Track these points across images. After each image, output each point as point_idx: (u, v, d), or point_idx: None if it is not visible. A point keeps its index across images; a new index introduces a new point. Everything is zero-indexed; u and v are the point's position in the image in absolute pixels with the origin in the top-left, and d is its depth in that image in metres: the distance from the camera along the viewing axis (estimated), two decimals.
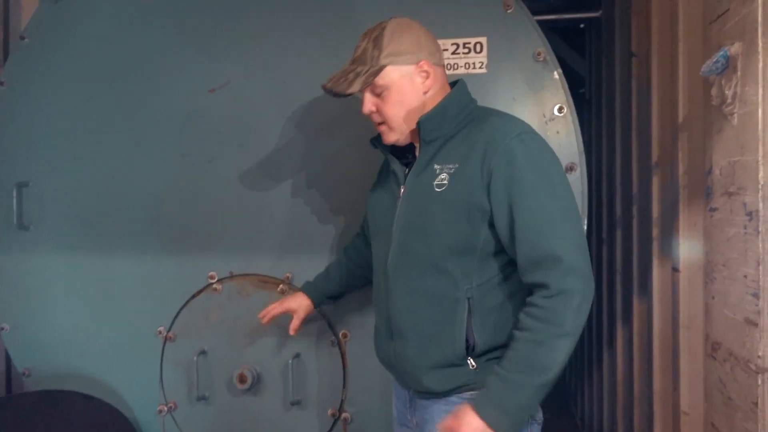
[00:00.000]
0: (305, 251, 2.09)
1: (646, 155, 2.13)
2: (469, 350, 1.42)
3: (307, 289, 1.93)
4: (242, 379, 2.06)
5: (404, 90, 1.49)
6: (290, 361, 2.06)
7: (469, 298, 1.41)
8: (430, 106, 1.49)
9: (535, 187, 1.34)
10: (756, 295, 1.17)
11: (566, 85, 1.99)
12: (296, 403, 2.07)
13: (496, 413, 1.30)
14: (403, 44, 1.48)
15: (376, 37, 1.49)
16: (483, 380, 1.39)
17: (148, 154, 2.16)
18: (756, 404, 1.17)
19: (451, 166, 1.43)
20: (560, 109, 1.97)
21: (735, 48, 1.26)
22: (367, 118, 1.57)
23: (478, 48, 2.02)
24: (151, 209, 2.17)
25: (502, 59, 2.00)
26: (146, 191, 2.16)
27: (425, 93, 1.51)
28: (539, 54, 1.98)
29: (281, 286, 2.08)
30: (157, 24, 2.15)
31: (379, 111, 1.52)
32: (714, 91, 1.37)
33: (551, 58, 1.99)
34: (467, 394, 1.43)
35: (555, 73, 1.98)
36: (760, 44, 1.16)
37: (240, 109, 2.11)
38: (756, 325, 1.17)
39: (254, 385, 2.09)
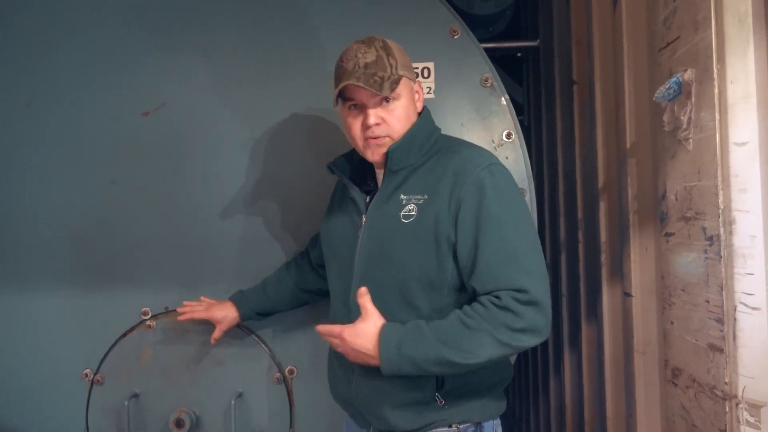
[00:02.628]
0: (247, 282, 1.97)
1: (592, 181, 2.15)
2: (438, 387, 1.38)
3: (238, 300, 1.85)
4: (179, 423, 1.91)
5: (410, 104, 1.47)
6: (232, 402, 1.92)
7: None
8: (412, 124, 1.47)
9: (502, 221, 1.33)
10: (720, 321, 1.16)
11: (513, 111, 2.00)
12: None
13: (392, 348, 1.30)
14: (407, 60, 1.48)
15: (383, 46, 1.44)
16: (452, 416, 1.37)
17: (74, 180, 1.99)
18: (724, 431, 1.16)
19: (419, 197, 1.40)
20: (508, 135, 1.98)
21: (688, 74, 1.27)
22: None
23: (425, 73, 2.00)
24: (77, 240, 1.99)
25: (449, 84, 1.99)
26: (72, 220, 1.99)
27: (418, 113, 1.50)
28: (486, 80, 1.99)
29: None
30: (85, 40, 2.00)
31: (386, 122, 1.43)
32: (666, 117, 1.38)
33: (498, 84, 2.00)
34: None
35: (502, 98, 1.99)
36: (715, 70, 1.18)
37: (176, 133, 1.99)
38: (721, 351, 1.16)
39: (192, 429, 1.93)
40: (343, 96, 1.45)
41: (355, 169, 1.59)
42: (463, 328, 1.28)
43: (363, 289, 1.38)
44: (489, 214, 1.32)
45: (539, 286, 1.29)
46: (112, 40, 2.00)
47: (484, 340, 1.27)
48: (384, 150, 1.44)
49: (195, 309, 1.86)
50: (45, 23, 2.01)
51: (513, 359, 1.72)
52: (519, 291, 1.27)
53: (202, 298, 1.91)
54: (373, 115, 1.41)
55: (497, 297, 1.29)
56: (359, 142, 1.47)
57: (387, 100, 1.42)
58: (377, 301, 1.40)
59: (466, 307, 1.32)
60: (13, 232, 2.00)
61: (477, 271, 1.32)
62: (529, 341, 1.29)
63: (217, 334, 1.85)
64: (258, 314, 1.86)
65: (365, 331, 1.34)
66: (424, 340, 1.29)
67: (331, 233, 1.59)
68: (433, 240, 1.36)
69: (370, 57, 1.41)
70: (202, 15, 1.99)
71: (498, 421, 1.48)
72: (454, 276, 1.37)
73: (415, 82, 1.51)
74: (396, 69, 1.41)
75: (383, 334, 1.32)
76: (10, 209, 2.00)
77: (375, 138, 1.44)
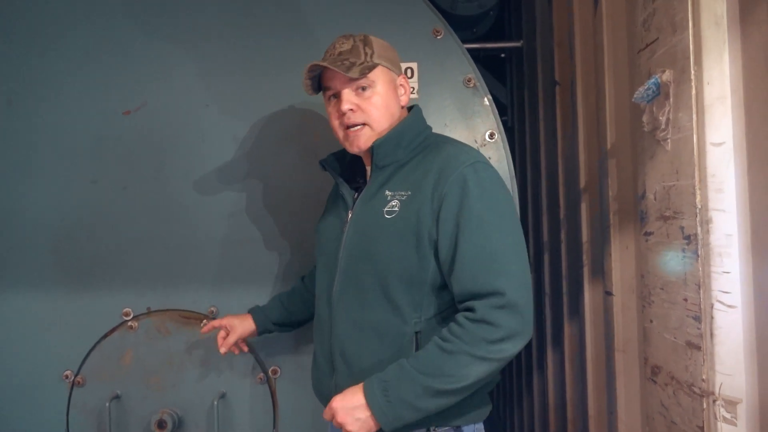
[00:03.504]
0: (230, 283, 1.97)
1: (574, 181, 2.17)
2: None
3: (254, 312, 1.80)
4: (161, 424, 1.89)
5: (390, 94, 1.47)
6: (215, 402, 1.92)
7: (417, 333, 1.35)
8: (396, 122, 1.47)
9: (483, 219, 1.31)
10: (697, 319, 1.18)
11: (496, 111, 2.01)
12: None
13: (378, 395, 1.27)
14: (390, 53, 1.50)
15: (363, 38, 1.46)
16: (431, 419, 1.33)
17: (55, 179, 1.97)
18: (701, 428, 1.17)
19: (403, 193, 1.39)
20: (491, 135, 1.99)
21: (666, 75, 1.29)
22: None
23: (409, 73, 2.01)
24: (57, 240, 1.97)
25: (433, 85, 2.00)
26: (52, 220, 1.96)
27: (402, 107, 1.51)
28: (469, 80, 2.00)
29: (205, 321, 1.94)
30: (65, 37, 1.98)
31: (361, 110, 1.43)
32: (645, 118, 1.40)
33: (481, 84, 2.01)
34: None
35: (485, 99, 2.00)
36: (693, 71, 1.19)
37: (157, 132, 1.98)
38: (699, 348, 1.18)
39: (175, 430, 1.92)
40: (322, 86, 1.48)
41: (347, 167, 1.60)
42: (442, 354, 1.26)
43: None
44: (470, 212, 1.30)
45: (518, 288, 1.27)
46: (93, 38, 1.98)
47: (464, 361, 1.24)
48: (363, 140, 1.44)
49: (215, 323, 1.78)
50: (27, 21, 1.99)
51: None
52: (495, 294, 1.26)
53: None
54: (347, 101, 1.42)
55: (472, 310, 1.27)
56: (339, 133, 1.48)
57: (363, 88, 1.43)
58: (357, 297, 1.40)
59: (444, 331, 1.29)
60: None
61: (455, 270, 1.31)
62: (513, 348, 1.27)
63: (231, 339, 1.75)
64: (275, 325, 1.80)
65: (351, 390, 1.32)
66: (407, 377, 1.26)
67: (321, 231, 1.60)
68: (413, 236, 1.34)
69: (346, 46, 1.44)
70: (185, 12, 1.98)
71: (481, 426, 1.44)
72: (435, 273, 1.35)
73: (399, 75, 1.51)
74: (371, 57, 1.43)
75: (366, 386, 1.30)
76: None
77: (353, 127, 1.44)
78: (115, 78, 1.97)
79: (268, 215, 1.97)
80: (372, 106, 1.43)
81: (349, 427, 1.29)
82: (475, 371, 1.25)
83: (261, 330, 1.80)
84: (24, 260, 1.97)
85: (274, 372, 1.97)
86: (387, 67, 1.47)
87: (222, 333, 1.77)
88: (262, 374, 1.96)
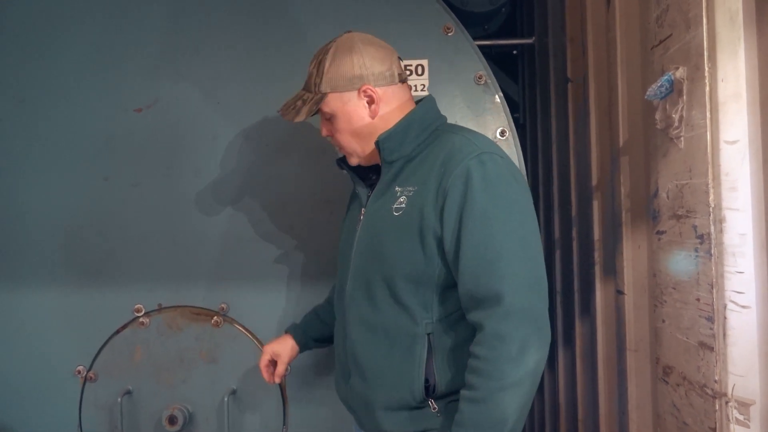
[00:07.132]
0: (241, 280, 1.98)
1: (586, 179, 2.15)
2: (429, 391, 1.31)
3: (293, 330, 1.74)
4: (172, 420, 1.91)
5: (350, 117, 1.41)
6: (225, 399, 1.92)
7: (429, 334, 1.30)
8: (384, 128, 1.39)
9: (487, 215, 1.22)
10: (710, 319, 1.17)
11: (508, 109, 2.00)
12: None
13: None
14: (343, 69, 1.38)
15: (320, 60, 1.41)
16: (446, 426, 1.29)
17: (67, 177, 1.98)
18: (714, 429, 1.16)
19: (410, 188, 1.33)
20: (502, 133, 1.98)
21: (679, 72, 1.27)
22: (311, 139, 1.49)
23: (419, 70, 2.00)
24: (70, 236, 1.98)
25: (443, 82, 1.99)
26: (64, 217, 1.98)
27: (373, 118, 1.41)
28: (480, 77, 1.99)
29: (216, 317, 1.95)
30: (76, 35, 1.99)
31: (333, 136, 1.46)
32: (658, 115, 1.38)
33: (492, 81, 2.00)
34: None
35: (496, 96, 1.99)
36: (706, 68, 1.17)
37: (168, 130, 1.99)
38: (711, 349, 1.16)
39: (186, 426, 1.93)
40: None
41: (363, 166, 1.55)
42: (476, 405, 1.18)
43: None
44: (473, 208, 1.22)
45: (519, 291, 1.19)
46: (105, 37, 1.99)
47: (498, 399, 1.17)
48: (353, 160, 1.47)
49: (262, 364, 1.69)
50: (38, 20, 2.00)
51: None
52: (495, 299, 1.19)
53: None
54: (323, 128, 1.48)
55: (480, 328, 1.20)
56: None
57: (328, 118, 1.44)
58: (367, 298, 1.36)
59: (467, 375, 1.22)
60: (5, 229, 1.99)
61: (459, 270, 1.24)
62: (532, 360, 1.18)
63: (281, 368, 1.68)
64: (315, 341, 1.73)
65: None
66: None
67: (341, 232, 1.58)
68: (417, 233, 1.28)
69: (307, 75, 1.45)
70: (195, 11, 1.99)
71: None
72: (442, 272, 1.29)
73: (357, 90, 1.39)
74: (319, 87, 1.40)
75: None
76: (0, 206, 1.99)
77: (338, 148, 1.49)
78: (127, 76, 1.98)
79: (278, 213, 1.97)
80: (338, 133, 1.44)
81: None
82: (513, 404, 1.17)
83: (302, 349, 1.73)
84: (36, 257, 1.99)
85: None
86: (338, 91, 1.39)
87: (266, 362, 1.69)
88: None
